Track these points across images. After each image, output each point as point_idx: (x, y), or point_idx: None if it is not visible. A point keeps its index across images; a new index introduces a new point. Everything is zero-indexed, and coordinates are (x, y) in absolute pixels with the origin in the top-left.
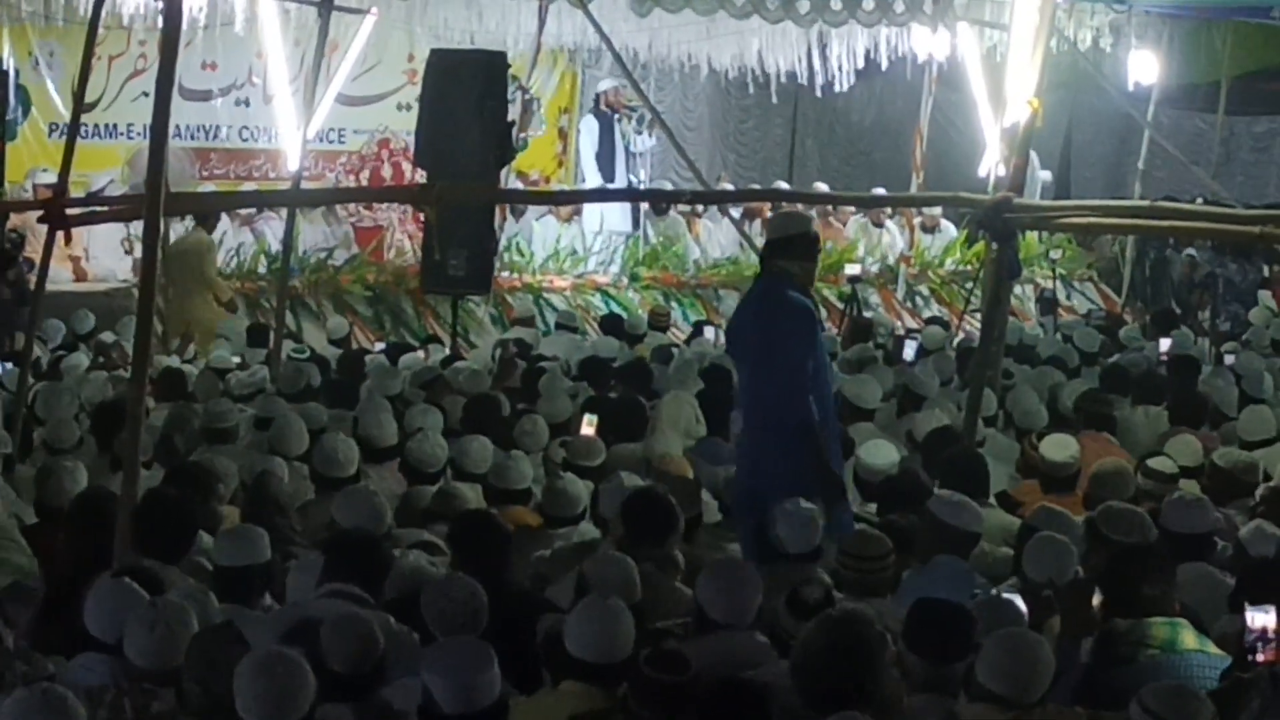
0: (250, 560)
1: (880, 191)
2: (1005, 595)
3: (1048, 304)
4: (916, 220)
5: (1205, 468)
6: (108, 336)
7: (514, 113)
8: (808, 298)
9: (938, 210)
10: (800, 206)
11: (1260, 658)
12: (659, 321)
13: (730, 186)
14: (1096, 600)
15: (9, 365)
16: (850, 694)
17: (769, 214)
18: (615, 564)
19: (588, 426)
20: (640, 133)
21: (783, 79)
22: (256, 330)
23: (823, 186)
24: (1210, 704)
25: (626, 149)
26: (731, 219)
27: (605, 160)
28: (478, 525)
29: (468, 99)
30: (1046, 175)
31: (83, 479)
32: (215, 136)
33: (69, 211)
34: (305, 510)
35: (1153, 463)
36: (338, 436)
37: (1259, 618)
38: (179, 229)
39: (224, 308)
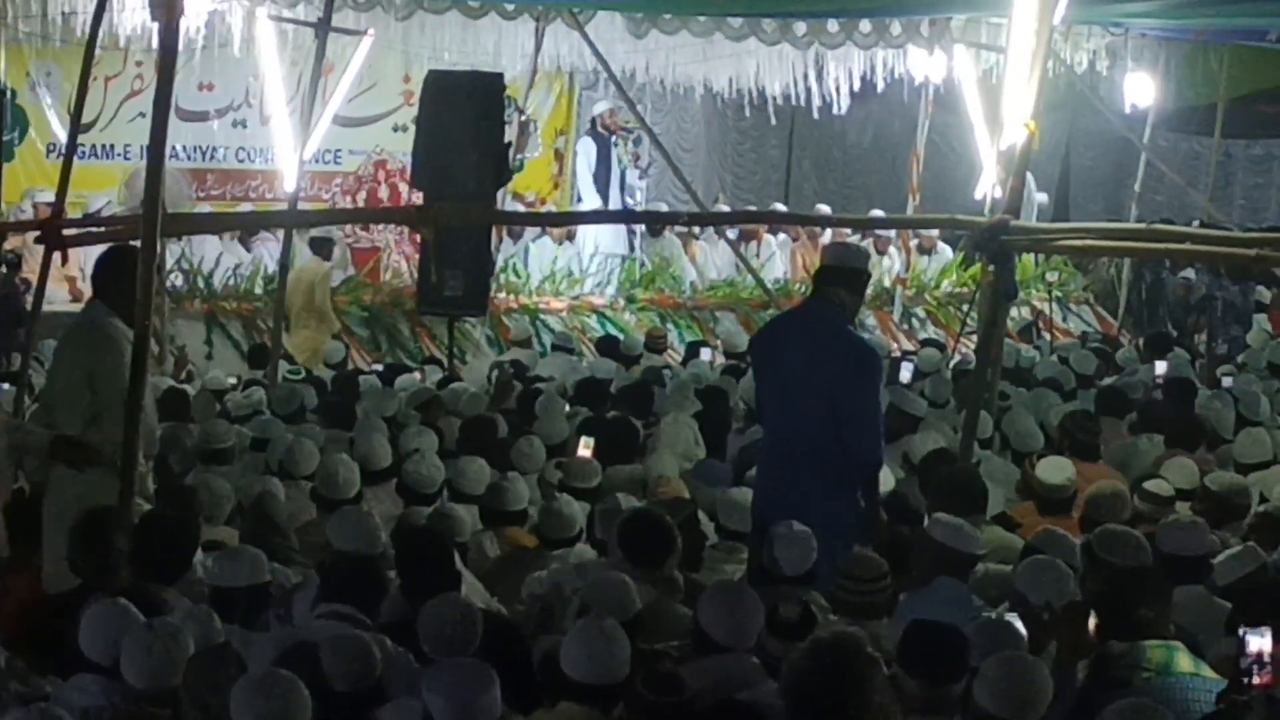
0: (249, 581)
1: (877, 214)
2: (1005, 618)
3: (1036, 330)
4: (913, 242)
5: (1199, 491)
6: None
7: (511, 134)
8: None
9: (935, 232)
10: (818, 232)
11: (1256, 681)
12: (656, 344)
13: (727, 208)
14: (1092, 623)
15: (5, 386)
16: (838, 716)
17: (765, 235)
18: (611, 584)
19: (584, 449)
20: (636, 166)
21: (779, 101)
22: (257, 351)
23: (825, 208)
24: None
25: (623, 171)
26: (728, 241)
27: (601, 182)
28: (422, 543)
29: (464, 120)
30: (1043, 197)
31: None
32: (212, 157)
33: (66, 232)
34: (305, 530)
35: (1149, 485)
36: (339, 457)
37: (1254, 641)
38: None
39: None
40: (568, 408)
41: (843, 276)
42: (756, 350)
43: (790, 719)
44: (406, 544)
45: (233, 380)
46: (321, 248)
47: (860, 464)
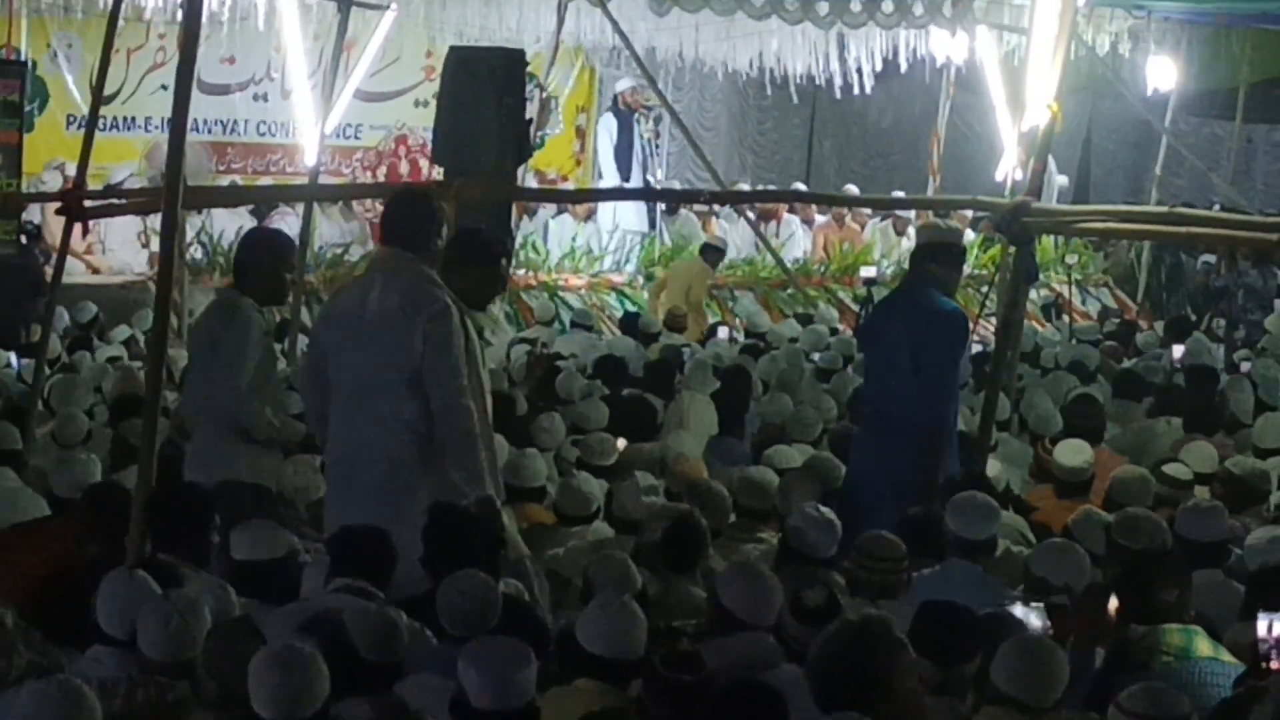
0: (267, 555)
1: (898, 194)
2: (1028, 606)
3: (1058, 310)
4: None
5: (1218, 475)
6: (122, 330)
7: (532, 111)
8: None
9: (969, 214)
10: (844, 212)
11: (1274, 665)
12: (676, 323)
13: (747, 187)
14: (1113, 606)
15: (25, 361)
16: (865, 700)
17: (785, 215)
18: (614, 562)
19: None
20: (656, 144)
21: (801, 80)
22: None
23: (852, 188)
24: (1188, 702)
25: (644, 148)
26: (748, 220)
27: (623, 160)
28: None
29: (486, 96)
30: (1063, 180)
31: (96, 471)
32: (233, 131)
33: (86, 203)
34: (314, 507)
35: (1168, 469)
36: None
37: (1274, 625)
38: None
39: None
40: (586, 384)
41: (936, 252)
42: (861, 334)
43: (817, 701)
44: (448, 523)
45: None
46: (709, 254)
47: (922, 421)
